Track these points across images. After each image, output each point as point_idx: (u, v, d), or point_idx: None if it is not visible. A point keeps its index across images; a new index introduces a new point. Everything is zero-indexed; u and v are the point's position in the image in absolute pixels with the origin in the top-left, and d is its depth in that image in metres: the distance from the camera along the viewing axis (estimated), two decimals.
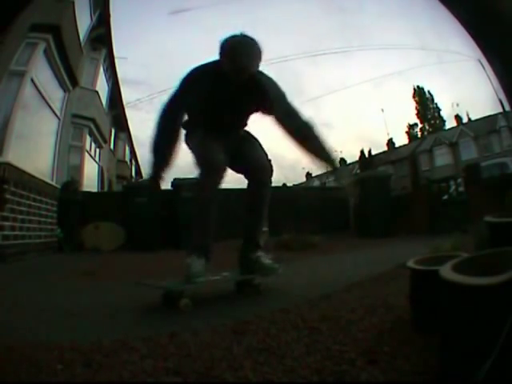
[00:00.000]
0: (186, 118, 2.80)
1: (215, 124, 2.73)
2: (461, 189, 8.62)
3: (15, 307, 2.45)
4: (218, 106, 2.66)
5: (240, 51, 2.45)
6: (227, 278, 2.77)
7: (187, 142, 2.80)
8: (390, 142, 42.64)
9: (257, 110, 2.82)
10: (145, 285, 2.66)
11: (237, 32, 2.51)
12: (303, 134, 2.66)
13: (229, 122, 2.78)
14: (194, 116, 2.79)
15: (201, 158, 2.62)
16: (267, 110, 2.75)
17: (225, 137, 2.74)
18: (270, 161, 2.90)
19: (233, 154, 2.72)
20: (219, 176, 2.59)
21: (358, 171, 33.42)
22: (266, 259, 2.79)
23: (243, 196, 2.89)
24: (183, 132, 2.81)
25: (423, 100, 49.34)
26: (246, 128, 2.97)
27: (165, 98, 2.70)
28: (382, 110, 69.63)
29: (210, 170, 2.55)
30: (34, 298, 2.83)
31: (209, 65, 2.65)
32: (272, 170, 2.87)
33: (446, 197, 8.85)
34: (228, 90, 2.59)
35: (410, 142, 44.20)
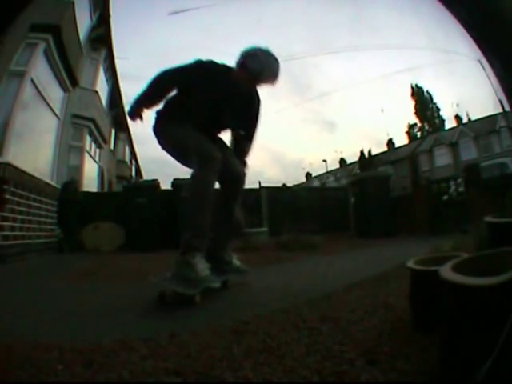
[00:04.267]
0: (163, 107, 2.93)
1: (201, 121, 2.83)
2: (461, 189, 8.62)
3: (15, 307, 2.45)
4: (214, 103, 2.83)
5: (272, 64, 2.81)
6: (222, 278, 2.83)
7: (162, 132, 2.89)
8: (390, 142, 42.67)
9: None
10: (157, 283, 2.49)
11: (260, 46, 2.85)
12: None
13: (214, 122, 2.95)
14: (181, 107, 2.87)
15: (201, 152, 2.63)
16: (240, 124, 3.03)
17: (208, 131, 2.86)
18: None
19: None
20: (217, 171, 2.64)
21: (358, 171, 33.47)
22: (237, 261, 3.04)
23: (217, 201, 2.79)
24: (155, 119, 2.92)
25: (422, 99, 49.31)
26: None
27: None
28: (382, 110, 69.72)
29: (212, 164, 2.60)
30: (33, 298, 2.83)
31: (223, 65, 2.93)
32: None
33: (445, 197, 8.85)
34: (230, 92, 2.84)
35: (410, 142, 44.18)
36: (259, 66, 2.76)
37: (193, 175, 2.61)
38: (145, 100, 2.89)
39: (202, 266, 2.49)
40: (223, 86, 2.84)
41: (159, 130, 2.89)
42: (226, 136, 3.16)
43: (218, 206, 2.83)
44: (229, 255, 2.99)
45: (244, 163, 3.10)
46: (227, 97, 2.86)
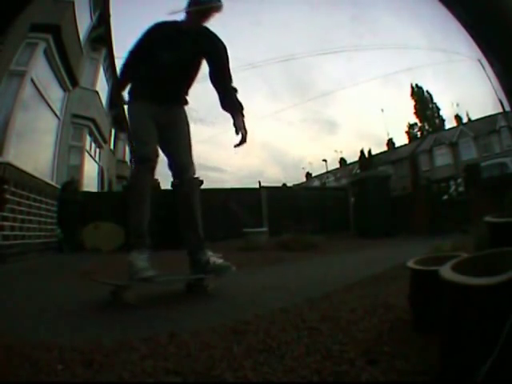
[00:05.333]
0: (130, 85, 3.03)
1: (157, 87, 2.90)
2: (461, 189, 8.63)
3: (15, 307, 2.45)
4: (167, 57, 2.87)
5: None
6: (176, 277, 2.89)
7: (127, 111, 2.97)
8: (390, 142, 42.63)
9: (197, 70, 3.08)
10: (98, 281, 2.69)
11: None
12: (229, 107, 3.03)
13: (171, 82, 2.95)
14: (140, 78, 2.98)
15: (138, 149, 2.77)
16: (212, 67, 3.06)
17: (162, 110, 2.90)
18: (191, 158, 3.01)
19: (163, 136, 2.91)
20: (152, 168, 2.79)
21: (358, 171, 33.45)
22: (217, 259, 2.86)
23: (177, 201, 2.96)
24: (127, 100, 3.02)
25: (422, 99, 49.30)
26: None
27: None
28: (382, 110, 69.71)
29: (147, 163, 2.74)
30: (33, 298, 2.83)
31: (170, 20, 2.99)
32: (194, 168, 2.99)
33: (446, 197, 8.85)
34: (181, 38, 2.91)
35: (410, 141, 44.13)
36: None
37: (130, 174, 2.66)
38: (119, 87, 3.08)
39: (138, 261, 2.57)
40: (175, 40, 2.91)
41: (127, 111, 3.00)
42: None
43: (179, 207, 2.95)
44: (204, 254, 2.86)
45: (239, 112, 3.03)
46: (182, 48, 2.91)
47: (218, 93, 3.07)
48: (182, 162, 2.94)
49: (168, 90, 2.95)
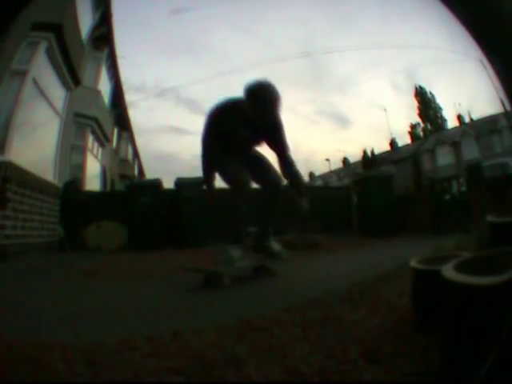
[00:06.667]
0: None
1: (232, 149, 3.39)
2: (463, 188, 8.60)
3: (16, 306, 2.45)
4: (237, 137, 3.33)
5: (269, 99, 3.09)
6: (254, 263, 3.44)
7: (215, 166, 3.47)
8: (393, 142, 42.55)
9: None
10: (191, 269, 3.42)
11: (260, 79, 3.18)
12: (291, 180, 3.57)
13: (244, 147, 3.48)
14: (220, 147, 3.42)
15: (232, 178, 3.32)
16: (272, 145, 3.49)
17: (239, 155, 3.41)
18: (278, 173, 3.54)
19: (248, 169, 3.39)
20: (247, 188, 3.33)
21: (361, 170, 33.41)
22: (276, 246, 3.54)
23: (259, 200, 3.56)
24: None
25: (425, 100, 49.27)
26: None
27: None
28: (385, 110, 69.79)
29: (241, 186, 3.27)
30: (35, 297, 2.83)
31: (230, 103, 3.30)
32: (281, 184, 3.56)
33: (448, 196, 8.82)
34: (248, 126, 3.26)
35: (412, 141, 44.05)
36: (257, 104, 3.10)
37: (228, 196, 3.30)
38: (210, 181, 3.54)
39: (230, 253, 3.22)
40: (241, 123, 3.24)
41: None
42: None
43: (263, 207, 3.55)
44: (270, 242, 3.51)
45: (295, 175, 3.57)
46: (247, 127, 3.28)
47: (279, 160, 3.52)
48: (273, 179, 3.52)
49: (243, 150, 3.47)
